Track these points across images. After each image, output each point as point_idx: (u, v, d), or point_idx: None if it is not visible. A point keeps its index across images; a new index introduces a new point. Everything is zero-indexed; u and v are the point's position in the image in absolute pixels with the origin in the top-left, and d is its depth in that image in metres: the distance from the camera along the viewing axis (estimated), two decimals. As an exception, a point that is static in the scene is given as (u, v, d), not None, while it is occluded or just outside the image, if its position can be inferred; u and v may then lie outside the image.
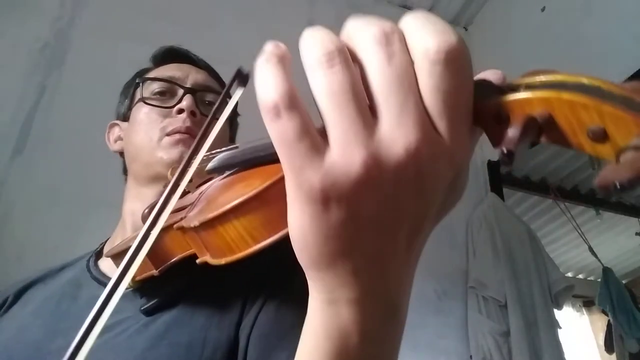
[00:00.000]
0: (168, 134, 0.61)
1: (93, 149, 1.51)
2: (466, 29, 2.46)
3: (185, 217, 0.39)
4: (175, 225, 0.39)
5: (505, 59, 2.16)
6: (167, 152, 0.60)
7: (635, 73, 1.48)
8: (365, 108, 0.21)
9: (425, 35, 0.21)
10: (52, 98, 1.51)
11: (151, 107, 0.64)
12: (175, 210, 0.43)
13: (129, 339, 0.47)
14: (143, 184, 0.63)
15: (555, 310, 1.81)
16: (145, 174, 0.63)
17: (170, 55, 0.73)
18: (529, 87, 0.22)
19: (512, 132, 0.20)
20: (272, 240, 0.30)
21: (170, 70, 0.68)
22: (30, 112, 1.47)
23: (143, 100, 0.65)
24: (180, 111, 0.63)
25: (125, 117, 0.71)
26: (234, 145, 0.43)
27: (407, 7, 2.33)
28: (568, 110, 0.21)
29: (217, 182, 0.42)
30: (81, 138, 1.48)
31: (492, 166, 2.12)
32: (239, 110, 0.76)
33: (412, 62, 0.21)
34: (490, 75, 0.24)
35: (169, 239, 0.41)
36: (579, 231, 3.11)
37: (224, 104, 0.34)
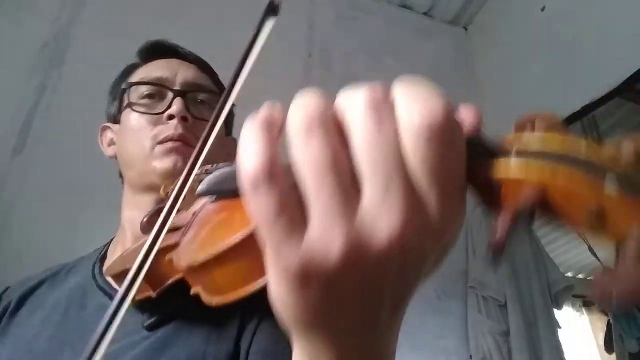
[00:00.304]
0: (160, 143, 0.59)
1: (93, 149, 1.51)
2: (466, 29, 2.46)
3: (178, 244, 0.38)
4: (167, 257, 0.38)
5: (505, 59, 2.16)
6: (160, 162, 0.58)
7: (636, 73, 1.48)
8: (348, 184, 0.20)
9: (410, 106, 0.20)
10: (52, 98, 1.51)
11: (140, 113, 0.62)
12: (171, 230, 0.42)
13: (129, 354, 0.47)
14: (139, 192, 0.62)
15: (555, 310, 1.81)
16: (140, 183, 0.61)
17: (158, 50, 0.69)
18: (521, 154, 0.20)
19: (501, 230, 0.19)
20: (265, 283, 0.29)
21: (158, 70, 0.65)
22: (30, 112, 1.47)
23: (131, 107, 0.62)
24: (171, 117, 0.60)
25: (115, 120, 0.68)
26: (227, 164, 0.41)
27: (407, 7, 2.33)
28: (564, 192, 0.19)
29: (209, 204, 0.41)
30: (81, 138, 1.48)
31: (492, 166, 2.12)
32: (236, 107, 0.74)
33: (399, 134, 0.20)
34: (467, 116, 0.23)
35: (164, 263, 0.40)
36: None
37: (256, 39, 0.32)
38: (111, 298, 0.53)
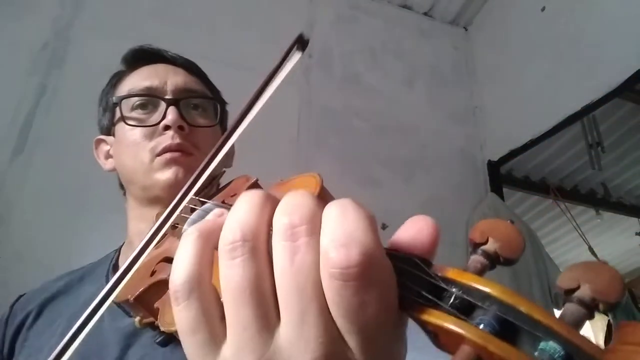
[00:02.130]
0: (158, 154, 0.58)
1: (92, 150, 1.51)
2: (466, 29, 2.46)
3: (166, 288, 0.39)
4: (155, 305, 0.39)
5: (505, 59, 2.16)
6: (162, 174, 0.57)
7: (636, 73, 1.48)
8: (267, 308, 0.19)
9: (330, 241, 0.18)
10: (52, 98, 1.51)
11: (134, 127, 0.60)
12: (166, 259, 0.43)
13: None
14: (144, 205, 0.61)
15: (555, 310, 1.81)
16: (144, 196, 0.60)
17: (143, 56, 0.68)
18: (459, 303, 0.19)
19: None
20: None
21: (146, 78, 0.63)
22: (30, 112, 1.47)
23: (124, 121, 0.60)
24: (167, 127, 0.59)
25: (109, 132, 0.67)
26: (215, 203, 0.41)
27: (407, 7, 2.33)
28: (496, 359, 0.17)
29: None
30: (81, 138, 1.48)
31: (492, 166, 2.12)
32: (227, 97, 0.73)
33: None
34: (419, 236, 0.21)
35: (155, 308, 0.41)
36: (579, 231, 3.10)
37: (280, 67, 0.32)
38: (125, 312, 0.53)
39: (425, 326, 0.19)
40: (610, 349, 0.16)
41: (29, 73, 1.51)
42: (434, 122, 2.14)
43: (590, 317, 0.17)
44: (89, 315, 0.26)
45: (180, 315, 0.20)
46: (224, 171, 0.66)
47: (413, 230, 0.22)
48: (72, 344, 0.25)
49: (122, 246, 0.67)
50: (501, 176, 2.16)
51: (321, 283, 0.18)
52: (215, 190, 0.59)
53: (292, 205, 0.20)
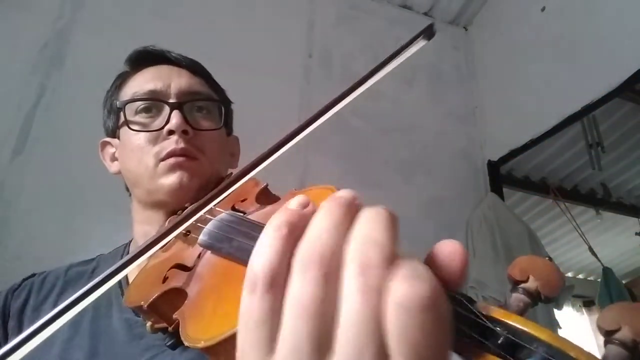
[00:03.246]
0: (163, 159, 0.58)
1: (93, 149, 1.51)
2: (466, 29, 2.46)
3: (185, 294, 0.39)
4: (174, 315, 0.39)
5: (505, 59, 2.16)
6: (166, 179, 0.57)
7: (636, 73, 1.48)
8: (326, 334, 0.19)
9: (401, 275, 0.19)
10: (52, 98, 1.51)
11: (137, 131, 0.60)
12: (180, 267, 0.44)
13: None
14: (148, 208, 0.61)
15: (555, 310, 1.81)
16: (149, 200, 0.61)
17: (146, 57, 0.67)
18: (511, 346, 0.19)
19: None
20: None
21: (150, 81, 0.63)
22: (30, 112, 1.47)
23: (128, 125, 0.60)
24: (171, 132, 0.58)
25: (114, 134, 0.67)
26: (230, 213, 0.40)
27: (407, 7, 2.33)
28: None
29: (210, 256, 0.41)
30: (81, 138, 1.48)
31: (492, 166, 2.12)
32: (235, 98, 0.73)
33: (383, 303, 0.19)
34: (447, 255, 0.21)
35: (172, 309, 0.41)
36: (579, 231, 3.11)
37: (401, 51, 0.32)
38: (136, 314, 0.54)
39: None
40: None
41: (29, 73, 1.51)
42: (434, 122, 2.14)
43: (633, 356, 0.17)
44: (89, 290, 0.26)
45: (252, 304, 0.20)
46: (231, 173, 0.65)
47: (444, 257, 0.21)
48: (60, 317, 0.26)
49: (130, 242, 0.68)
50: (501, 176, 2.16)
51: (384, 319, 0.18)
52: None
53: (374, 241, 0.20)
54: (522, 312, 0.21)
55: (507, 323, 0.19)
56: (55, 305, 0.59)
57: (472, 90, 2.29)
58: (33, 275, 0.67)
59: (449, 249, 0.21)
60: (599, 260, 3.15)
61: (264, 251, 0.21)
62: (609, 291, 3.12)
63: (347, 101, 0.33)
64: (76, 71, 1.56)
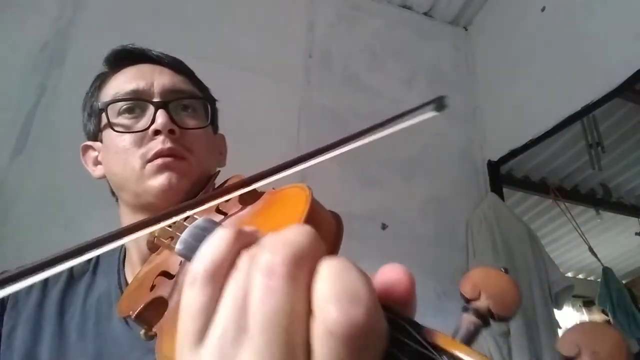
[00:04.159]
0: (150, 160, 0.56)
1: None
2: (466, 29, 2.46)
3: (166, 306, 0.38)
4: (153, 329, 0.39)
5: (505, 59, 2.16)
6: (154, 180, 0.55)
7: (636, 73, 1.48)
8: (243, 325, 0.20)
9: (330, 294, 0.18)
10: (52, 98, 1.51)
11: (123, 133, 0.58)
12: (165, 274, 0.43)
13: None
14: (137, 212, 0.59)
15: (555, 310, 1.81)
16: (136, 203, 0.59)
17: (126, 56, 0.65)
18: None
19: None
20: None
21: (131, 80, 0.60)
22: (30, 112, 1.47)
23: (112, 127, 0.58)
24: (157, 132, 0.56)
25: (96, 137, 0.65)
26: (206, 220, 0.40)
27: (407, 7, 2.33)
28: None
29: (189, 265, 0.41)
30: (81, 138, 1.48)
31: (492, 166, 2.12)
32: (218, 95, 0.71)
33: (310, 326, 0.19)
34: (393, 280, 0.20)
35: (155, 320, 0.41)
36: (579, 231, 3.11)
37: (411, 112, 0.32)
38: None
39: None
40: None
41: (29, 73, 1.51)
42: (434, 122, 2.12)
43: None
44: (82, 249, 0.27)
45: (190, 297, 0.21)
46: (219, 171, 0.65)
47: (389, 280, 0.21)
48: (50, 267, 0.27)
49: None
50: (501, 176, 2.16)
51: (306, 333, 0.19)
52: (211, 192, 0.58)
53: (280, 244, 0.21)
54: (472, 336, 0.19)
55: (451, 352, 0.18)
56: (60, 302, 0.61)
57: (472, 90, 2.29)
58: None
59: (394, 274, 0.21)
60: (599, 260, 3.15)
61: (209, 249, 0.22)
62: (609, 291, 3.13)
63: (339, 152, 0.33)
64: (76, 71, 1.56)
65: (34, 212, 1.35)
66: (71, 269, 0.65)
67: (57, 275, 0.64)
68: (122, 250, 0.66)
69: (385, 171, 1.92)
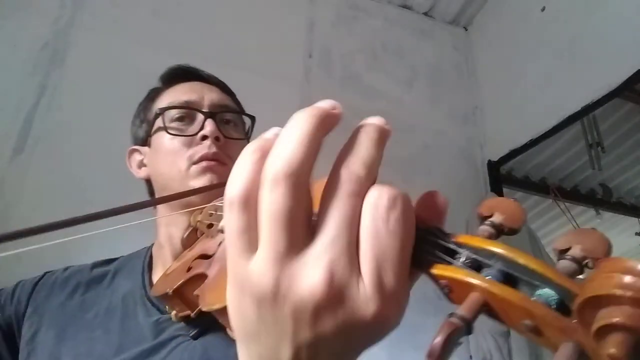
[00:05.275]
0: (195, 163, 0.63)
1: (93, 149, 1.51)
2: (466, 29, 2.46)
3: (206, 277, 0.43)
4: (195, 292, 0.44)
5: (505, 59, 2.16)
6: (197, 181, 0.62)
7: (636, 73, 1.48)
8: (299, 233, 0.22)
9: (375, 186, 0.23)
10: (52, 98, 1.51)
11: (174, 136, 0.65)
12: (202, 257, 0.48)
13: (182, 354, 0.54)
14: (176, 210, 0.64)
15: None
16: (178, 202, 0.63)
17: (180, 74, 0.73)
18: (468, 259, 0.22)
19: (436, 343, 0.20)
20: None
21: (184, 94, 0.68)
22: (30, 112, 1.47)
23: (166, 130, 0.65)
24: (205, 137, 0.64)
25: (144, 142, 0.71)
26: None
27: (407, 7, 2.33)
28: (502, 305, 0.20)
29: None
30: (81, 138, 1.48)
31: (492, 166, 2.12)
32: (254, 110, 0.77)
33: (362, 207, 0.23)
34: (434, 205, 0.25)
35: (194, 296, 0.45)
36: (579, 231, 3.10)
37: None
38: (162, 313, 0.59)
39: (440, 280, 0.23)
40: (589, 278, 0.18)
41: (29, 73, 1.51)
42: (434, 122, 2.14)
43: (580, 272, 0.20)
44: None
45: (231, 219, 0.23)
46: None
47: (427, 202, 0.26)
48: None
49: (152, 246, 0.71)
50: (501, 176, 2.16)
51: (359, 220, 0.22)
52: None
53: (361, 156, 0.25)
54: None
55: (470, 244, 0.23)
56: (83, 302, 0.64)
57: (472, 90, 2.29)
58: (49, 272, 0.70)
59: (429, 193, 0.26)
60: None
61: (237, 174, 0.24)
62: (609, 291, 3.12)
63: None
64: (76, 71, 1.56)
65: (34, 212, 1.35)
66: (92, 273, 0.69)
67: (77, 278, 0.68)
68: (148, 255, 0.70)
69: (385, 171, 1.92)
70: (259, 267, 0.22)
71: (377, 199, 0.22)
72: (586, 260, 0.20)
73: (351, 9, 2.21)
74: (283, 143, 0.23)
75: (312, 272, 0.21)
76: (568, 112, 1.75)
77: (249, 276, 0.23)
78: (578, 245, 0.21)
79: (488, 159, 2.13)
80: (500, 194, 2.06)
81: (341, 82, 2.03)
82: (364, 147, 0.25)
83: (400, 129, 2.07)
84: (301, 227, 0.22)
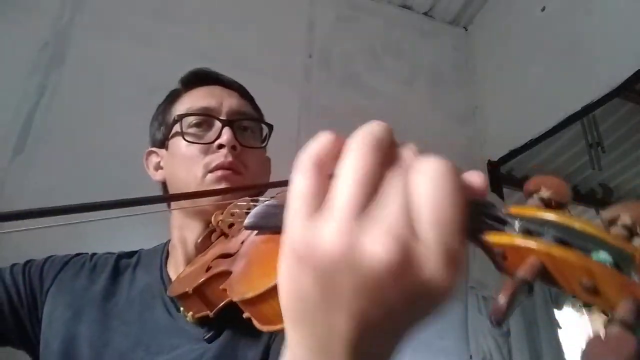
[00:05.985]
0: (211, 171, 0.63)
1: (93, 149, 1.51)
2: (466, 29, 2.46)
3: (230, 273, 0.43)
4: (220, 287, 0.44)
5: (505, 59, 2.16)
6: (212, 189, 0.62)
7: (636, 73, 1.48)
8: (373, 198, 0.22)
9: (425, 158, 0.23)
10: (52, 98, 1.51)
11: (191, 142, 0.65)
12: (223, 256, 0.48)
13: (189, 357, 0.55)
14: (190, 216, 0.65)
15: (555, 310, 1.81)
16: (191, 208, 0.65)
17: (200, 78, 0.73)
18: (521, 227, 0.23)
19: (501, 303, 0.21)
20: None
21: (203, 99, 0.68)
22: (30, 112, 1.47)
23: (183, 136, 0.66)
24: (221, 146, 0.64)
25: (162, 145, 0.71)
26: (271, 199, 0.44)
27: (407, 7, 2.33)
28: (559, 266, 0.21)
29: (253, 235, 0.45)
30: (81, 138, 1.48)
31: (492, 166, 2.12)
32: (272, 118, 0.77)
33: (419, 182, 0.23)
34: (476, 181, 0.25)
35: (219, 291, 0.45)
36: (579, 231, 3.10)
37: None
38: (178, 309, 0.59)
39: (494, 249, 0.23)
40: None
41: (29, 73, 1.51)
42: (434, 122, 2.14)
43: (631, 237, 0.21)
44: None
45: (299, 179, 0.24)
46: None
47: (472, 179, 0.26)
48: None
49: (168, 242, 0.72)
50: (501, 176, 2.16)
51: (413, 187, 0.23)
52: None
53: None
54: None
55: (522, 214, 0.23)
56: (105, 290, 0.65)
57: (472, 90, 2.29)
58: (79, 254, 0.73)
59: (472, 172, 0.26)
60: (599, 260, 3.14)
61: (319, 141, 0.25)
62: (609, 291, 3.12)
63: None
64: (76, 71, 1.56)
65: (34, 212, 1.35)
66: (117, 263, 0.70)
67: (103, 266, 0.69)
68: (165, 251, 0.71)
69: (385, 171, 1.92)
70: (330, 231, 0.22)
71: (434, 168, 0.23)
72: (635, 226, 0.21)
73: (351, 9, 2.21)
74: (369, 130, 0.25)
75: (381, 239, 0.21)
76: (568, 112, 1.75)
77: (316, 243, 0.22)
78: (627, 214, 0.22)
79: (488, 159, 2.13)
80: (500, 194, 2.06)
81: (341, 82, 2.03)
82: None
83: (400, 129, 2.06)
84: (375, 194, 0.23)
